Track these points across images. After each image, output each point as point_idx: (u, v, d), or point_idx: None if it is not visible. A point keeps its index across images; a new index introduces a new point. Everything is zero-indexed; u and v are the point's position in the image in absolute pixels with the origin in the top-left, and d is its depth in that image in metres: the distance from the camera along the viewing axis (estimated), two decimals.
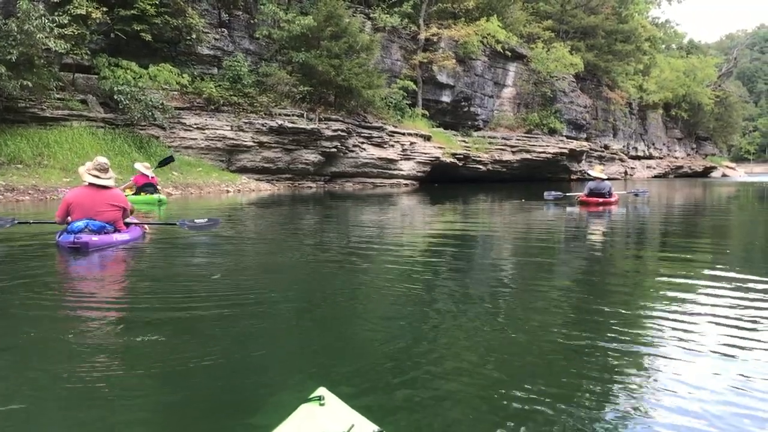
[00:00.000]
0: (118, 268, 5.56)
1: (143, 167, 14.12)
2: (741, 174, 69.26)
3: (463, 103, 33.79)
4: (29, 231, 7.80)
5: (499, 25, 32.58)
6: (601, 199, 13.75)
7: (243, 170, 22.66)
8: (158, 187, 14.15)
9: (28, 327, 3.35)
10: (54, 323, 3.49)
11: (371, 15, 29.40)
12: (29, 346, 3.05)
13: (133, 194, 13.08)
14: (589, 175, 15.59)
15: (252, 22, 24.46)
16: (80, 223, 6.13)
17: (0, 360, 2.85)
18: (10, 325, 3.45)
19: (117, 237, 6.45)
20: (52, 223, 6.98)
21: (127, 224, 6.93)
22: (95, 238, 6.07)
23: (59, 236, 6.21)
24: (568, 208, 13.27)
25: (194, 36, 21.48)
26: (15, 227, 7.47)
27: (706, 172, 63.71)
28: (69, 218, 6.29)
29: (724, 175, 65.00)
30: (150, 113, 19.20)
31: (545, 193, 15.75)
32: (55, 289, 4.50)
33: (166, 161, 16.83)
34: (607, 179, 14.78)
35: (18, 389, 2.47)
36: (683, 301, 4.04)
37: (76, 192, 6.56)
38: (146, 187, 13.66)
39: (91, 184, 6.43)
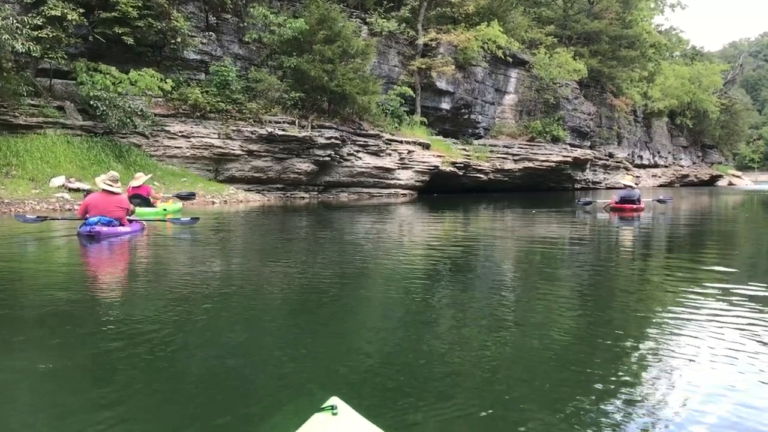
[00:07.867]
0: (123, 255, 7.36)
1: (132, 179, 13.05)
2: (747, 182, 67.91)
3: (463, 111, 32.73)
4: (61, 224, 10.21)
5: (500, 30, 31.46)
6: (634, 206, 14.70)
7: (231, 180, 21.55)
8: (149, 197, 12.86)
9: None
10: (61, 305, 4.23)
11: (368, 20, 28.38)
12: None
13: None
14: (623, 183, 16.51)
15: (241, 25, 23.41)
16: (94, 219, 8.40)
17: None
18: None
19: (121, 229, 8.72)
20: (74, 219, 9.44)
21: (130, 221, 9.21)
22: (105, 229, 8.34)
23: (80, 228, 8.47)
24: (599, 215, 14.07)
25: (179, 40, 20.45)
26: (48, 222, 10.08)
27: (712, 180, 62.51)
28: (87, 215, 8.57)
29: (730, 184, 63.77)
30: (129, 120, 18.12)
31: (576, 201, 17.36)
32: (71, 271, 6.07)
33: (188, 197, 15.79)
34: (637, 187, 15.97)
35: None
36: (698, 310, 4.05)
37: (93, 196, 8.92)
38: (133, 198, 11.64)
39: (104, 191, 8.70)
